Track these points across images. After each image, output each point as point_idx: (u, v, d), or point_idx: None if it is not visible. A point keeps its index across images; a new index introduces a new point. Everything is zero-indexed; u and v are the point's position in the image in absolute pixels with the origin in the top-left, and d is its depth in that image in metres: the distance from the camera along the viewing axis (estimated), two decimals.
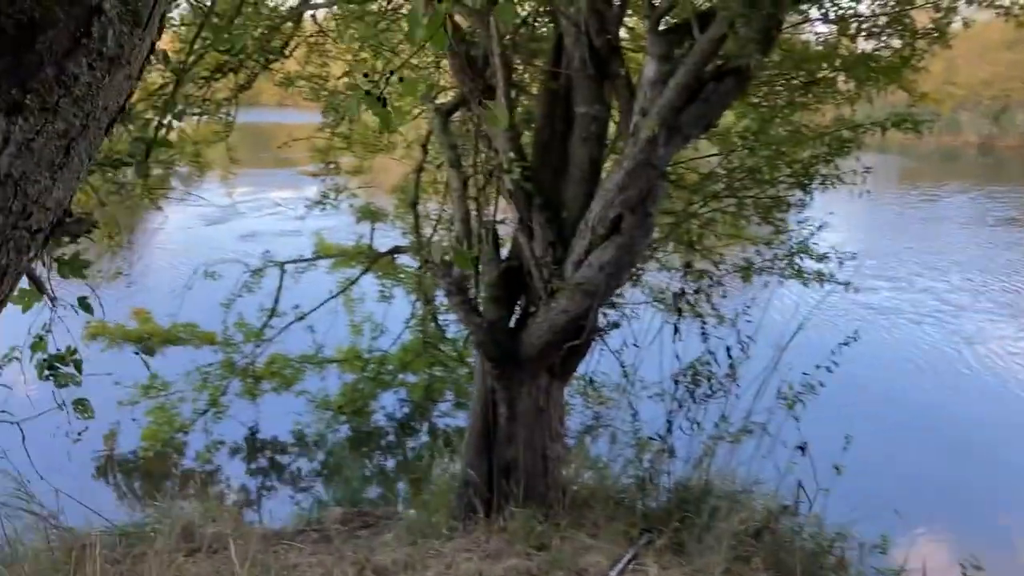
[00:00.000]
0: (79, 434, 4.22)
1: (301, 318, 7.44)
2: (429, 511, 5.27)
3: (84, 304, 2.48)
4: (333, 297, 7.15)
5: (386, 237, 7.99)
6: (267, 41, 6.99)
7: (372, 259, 7.08)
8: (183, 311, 8.26)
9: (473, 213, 5.15)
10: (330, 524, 5.56)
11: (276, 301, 7.50)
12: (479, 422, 5.08)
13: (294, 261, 7.38)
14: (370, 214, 7.63)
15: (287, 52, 7.41)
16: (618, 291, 5.25)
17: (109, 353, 8.86)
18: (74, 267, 2.34)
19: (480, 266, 5.11)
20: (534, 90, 5.59)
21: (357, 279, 7.24)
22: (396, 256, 6.96)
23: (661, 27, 4.52)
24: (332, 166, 7.17)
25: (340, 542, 5.05)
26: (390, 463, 8.20)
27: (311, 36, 7.68)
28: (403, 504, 6.13)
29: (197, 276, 7.52)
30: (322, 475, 7.25)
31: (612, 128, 5.26)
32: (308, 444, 7.82)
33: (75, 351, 2.54)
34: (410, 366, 7.86)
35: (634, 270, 5.81)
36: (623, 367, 5.54)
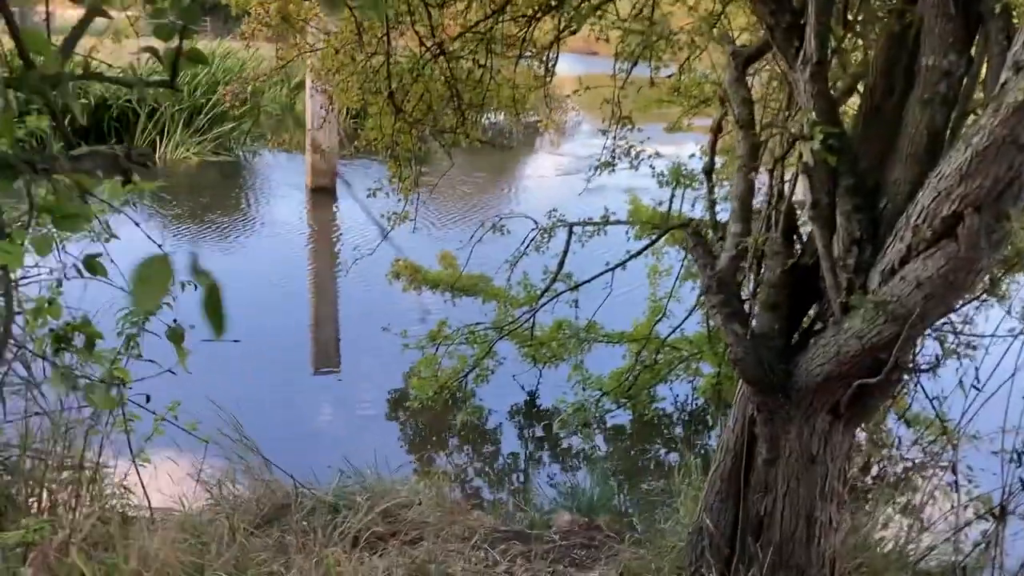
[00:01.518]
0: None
1: (575, 287, 6.67)
2: (657, 550, 4.29)
3: (92, 265, 1.88)
4: (609, 269, 6.27)
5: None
6: None
7: (662, 231, 6.09)
8: (490, 262, 7.88)
9: (763, 188, 3.99)
10: (552, 532, 4.79)
11: (560, 265, 6.79)
12: (730, 458, 3.98)
13: (581, 224, 6.60)
14: (678, 177, 6.60)
15: None
16: (948, 316, 3.82)
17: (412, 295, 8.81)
18: (69, 221, 1.73)
19: (765, 259, 3.96)
20: (873, 33, 4.21)
21: (638, 253, 6.25)
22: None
23: None
24: (625, 119, 6.25)
25: (543, 564, 4.26)
26: (671, 457, 7.26)
27: None
28: (641, 527, 5.18)
29: (487, 228, 7.03)
30: (589, 459, 6.51)
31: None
32: (581, 424, 7.06)
33: (89, 323, 1.98)
34: (697, 358, 6.80)
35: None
36: (940, 419, 4.09)
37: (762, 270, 3.95)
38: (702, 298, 6.11)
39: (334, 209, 16.11)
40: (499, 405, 7.76)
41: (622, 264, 6.19)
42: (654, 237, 6.11)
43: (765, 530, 3.86)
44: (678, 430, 7.58)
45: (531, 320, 7.02)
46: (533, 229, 6.95)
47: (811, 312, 3.95)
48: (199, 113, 18.98)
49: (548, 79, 7.33)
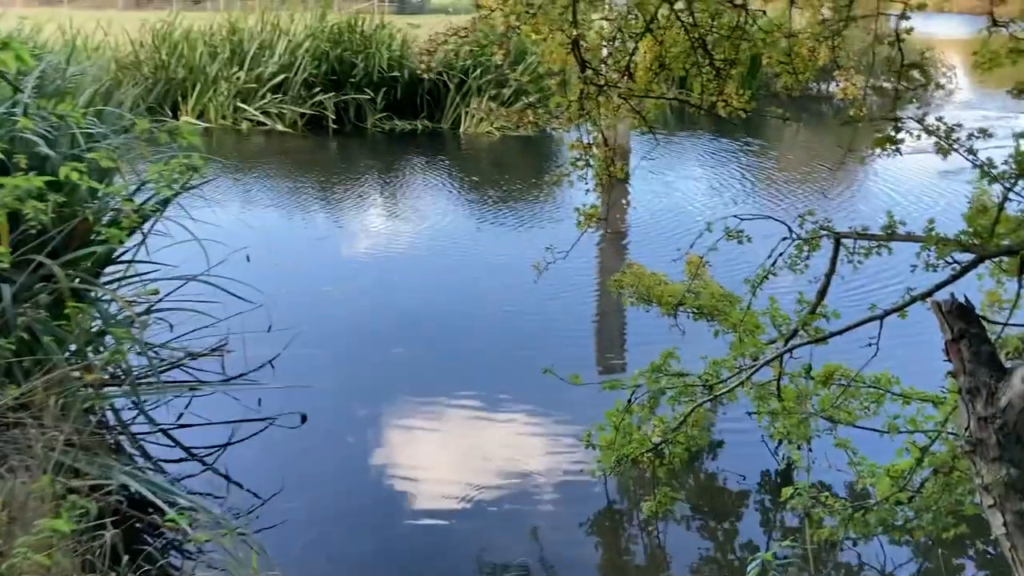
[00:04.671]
0: None
1: (818, 340, 4.37)
2: None
3: None
4: (874, 318, 3.90)
5: None
6: None
7: (973, 260, 3.67)
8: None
9: None
10: None
11: (821, 294, 4.57)
12: None
13: (853, 235, 4.31)
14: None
15: None
16: None
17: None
18: None
19: None
20: None
21: (925, 296, 3.78)
22: None
23: None
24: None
25: None
26: None
27: None
28: None
29: (702, 230, 4.96)
30: None
31: None
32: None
33: None
34: None
35: None
36: None
37: None
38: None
39: (626, 191, 14.47)
40: (746, 472, 5.62)
41: (899, 310, 3.85)
42: (959, 269, 3.70)
43: None
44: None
45: (776, 371, 4.85)
46: (785, 239, 4.78)
47: None
48: (503, 86, 18.51)
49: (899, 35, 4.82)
